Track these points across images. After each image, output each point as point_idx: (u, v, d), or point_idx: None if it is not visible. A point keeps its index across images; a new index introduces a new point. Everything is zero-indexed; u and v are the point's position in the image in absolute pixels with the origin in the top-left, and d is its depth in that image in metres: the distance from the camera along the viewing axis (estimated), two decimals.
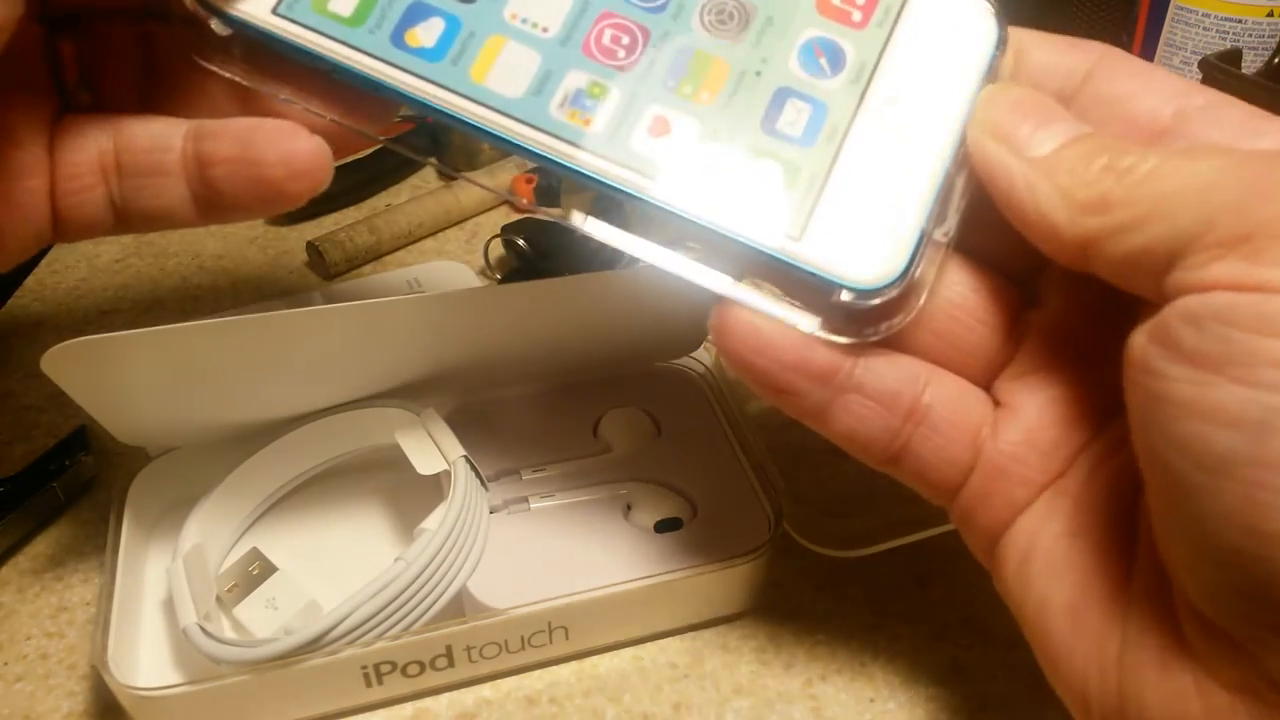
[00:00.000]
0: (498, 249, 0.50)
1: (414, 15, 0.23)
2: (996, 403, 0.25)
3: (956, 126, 0.22)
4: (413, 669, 0.30)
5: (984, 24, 0.23)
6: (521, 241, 0.49)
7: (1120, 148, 0.21)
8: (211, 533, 0.33)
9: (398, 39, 0.23)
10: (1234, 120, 0.22)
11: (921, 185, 0.22)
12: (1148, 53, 0.62)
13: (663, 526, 0.34)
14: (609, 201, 0.23)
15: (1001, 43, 0.23)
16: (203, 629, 0.29)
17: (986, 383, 0.25)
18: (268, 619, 0.31)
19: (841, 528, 0.33)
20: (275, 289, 0.49)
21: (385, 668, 0.30)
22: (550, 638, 0.31)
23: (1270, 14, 0.57)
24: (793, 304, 0.22)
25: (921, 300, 0.23)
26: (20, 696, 0.31)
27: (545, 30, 0.23)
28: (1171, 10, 0.59)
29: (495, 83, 0.23)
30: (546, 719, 0.31)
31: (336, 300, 0.30)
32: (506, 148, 0.23)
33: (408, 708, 0.31)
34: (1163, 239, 0.19)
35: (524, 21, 0.23)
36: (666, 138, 0.22)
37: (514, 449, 0.36)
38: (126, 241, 0.51)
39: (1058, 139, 0.21)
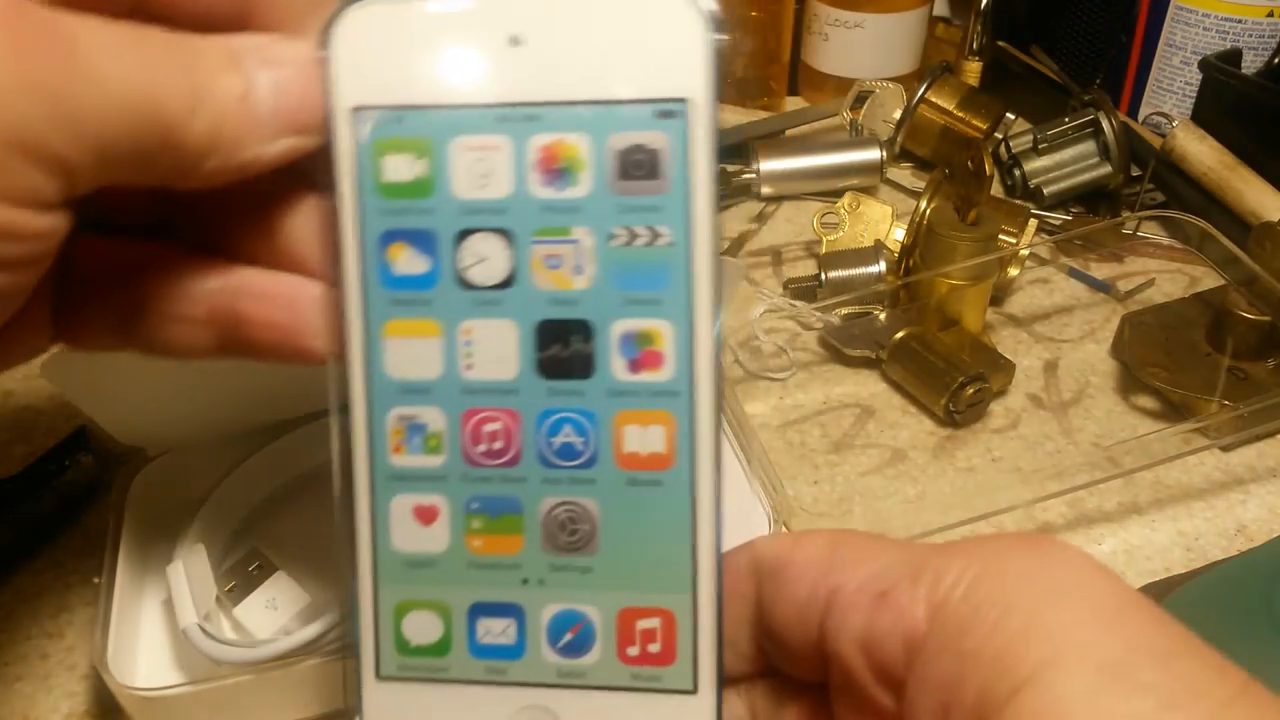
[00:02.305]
0: None
1: None
2: None
3: None
4: None
5: None
6: None
7: None
8: (211, 533, 0.33)
9: None
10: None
11: None
12: (1148, 53, 0.62)
13: None
14: None
15: None
16: (203, 629, 0.29)
17: None
18: (268, 619, 0.31)
19: (841, 528, 0.33)
20: None
21: None
22: None
23: (1270, 14, 0.57)
24: None
25: None
26: (20, 697, 0.31)
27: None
28: (1171, 10, 0.59)
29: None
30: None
31: None
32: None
33: None
34: None
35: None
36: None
37: None
38: None
39: None
